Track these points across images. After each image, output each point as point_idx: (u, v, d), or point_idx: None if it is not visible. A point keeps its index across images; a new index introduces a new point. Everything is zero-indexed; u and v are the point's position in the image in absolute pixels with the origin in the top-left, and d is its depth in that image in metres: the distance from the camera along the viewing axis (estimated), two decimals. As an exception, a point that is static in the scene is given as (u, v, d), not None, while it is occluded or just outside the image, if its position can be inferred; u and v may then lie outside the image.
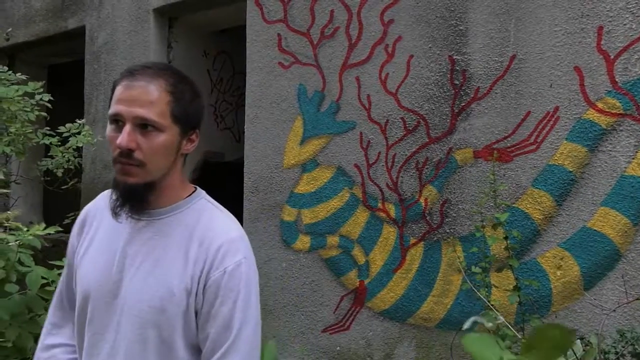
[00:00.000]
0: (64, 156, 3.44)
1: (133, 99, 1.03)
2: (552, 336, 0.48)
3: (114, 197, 1.10)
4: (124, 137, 1.02)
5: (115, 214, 1.09)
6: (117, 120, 1.05)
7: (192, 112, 1.10)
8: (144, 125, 1.03)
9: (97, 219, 1.18)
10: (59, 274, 2.26)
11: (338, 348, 2.86)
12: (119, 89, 1.06)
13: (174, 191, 1.13)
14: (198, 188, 1.19)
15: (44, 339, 1.23)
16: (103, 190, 1.26)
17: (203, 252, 1.07)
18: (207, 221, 1.12)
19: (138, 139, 1.03)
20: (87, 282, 1.12)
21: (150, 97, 1.03)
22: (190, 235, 1.09)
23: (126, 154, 1.03)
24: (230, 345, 1.04)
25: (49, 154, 3.68)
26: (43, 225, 2.30)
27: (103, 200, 1.21)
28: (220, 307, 1.05)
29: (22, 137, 3.09)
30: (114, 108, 1.05)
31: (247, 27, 3.23)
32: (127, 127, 1.02)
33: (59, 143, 3.54)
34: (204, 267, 1.06)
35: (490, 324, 0.50)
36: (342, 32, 2.88)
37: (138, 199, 1.07)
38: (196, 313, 1.07)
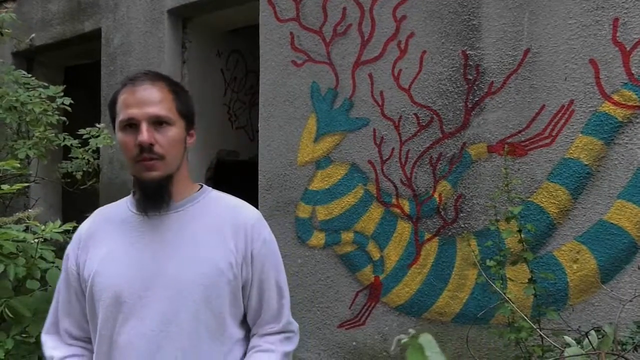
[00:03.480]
0: (83, 158, 3.51)
1: (142, 101, 1.12)
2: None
3: (137, 196, 1.19)
4: (144, 135, 1.10)
5: (142, 211, 1.17)
6: (130, 124, 1.12)
7: (190, 109, 1.22)
8: (157, 122, 1.13)
9: (101, 233, 1.21)
10: None
11: (354, 343, 2.88)
12: (123, 97, 1.14)
13: (187, 185, 1.24)
14: (203, 184, 1.30)
15: (54, 356, 1.20)
16: (120, 189, 1.33)
17: (240, 228, 1.19)
18: (230, 204, 1.25)
19: (155, 135, 1.12)
20: (115, 287, 1.13)
21: (157, 97, 1.13)
22: (219, 218, 1.20)
23: (148, 149, 1.11)
24: (283, 305, 1.25)
25: (69, 156, 3.75)
26: (58, 222, 2.34)
27: (99, 215, 1.27)
28: (269, 272, 1.23)
29: (45, 140, 3.16)
30: (125, 113, 1.12)
31: (260, 26, 3.25)
32: (144, 126, 1.11)
33: (79, 145, 3.61)
34: (245, 240, 1.19)
35: (405, 340, 0.50)
36: (355, 29, 2.89)
37: (162, 192, 1.16)
38: (243, 286, 1.19)
